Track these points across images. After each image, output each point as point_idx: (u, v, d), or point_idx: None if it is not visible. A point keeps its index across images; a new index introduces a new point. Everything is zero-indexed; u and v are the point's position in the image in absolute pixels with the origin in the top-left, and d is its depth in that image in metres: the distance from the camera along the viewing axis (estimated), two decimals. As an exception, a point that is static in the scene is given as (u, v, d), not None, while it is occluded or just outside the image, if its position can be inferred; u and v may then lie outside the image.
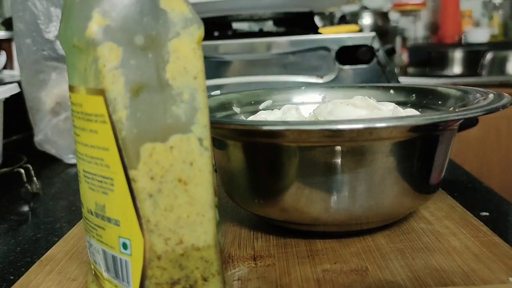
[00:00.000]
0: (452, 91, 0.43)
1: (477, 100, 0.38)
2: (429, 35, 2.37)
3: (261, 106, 0.49)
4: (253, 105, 0.49)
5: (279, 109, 0.50)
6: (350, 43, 0.82)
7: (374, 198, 0.34)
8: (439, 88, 0.45)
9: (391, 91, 0.48)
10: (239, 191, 0.39)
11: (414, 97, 0.46)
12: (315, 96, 0.51)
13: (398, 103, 0.46)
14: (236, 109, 0.48)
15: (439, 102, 0.44)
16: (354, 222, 0.36)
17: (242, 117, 0.48)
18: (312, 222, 0.36)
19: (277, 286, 0.31)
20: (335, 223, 0.36)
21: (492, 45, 1.99)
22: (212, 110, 0.46)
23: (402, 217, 0.39)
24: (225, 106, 0.48)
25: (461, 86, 0.44)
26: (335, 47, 0.82)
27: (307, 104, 0.50)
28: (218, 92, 0.50)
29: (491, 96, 0.37)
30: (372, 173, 0.34)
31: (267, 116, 0.45)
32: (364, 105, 0.38)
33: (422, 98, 0.46)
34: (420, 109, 0.45)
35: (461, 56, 1.94)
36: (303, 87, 0.52)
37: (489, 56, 1.86)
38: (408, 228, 0.38)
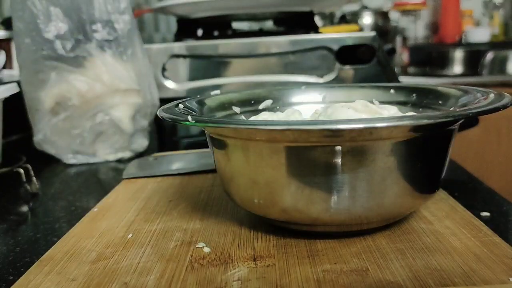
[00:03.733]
0: (453, 91, 0.43)
1: (477, 100, 0.38)
2: (429, 34, 2.36)
3: (261, 106, 0.49)
4: (253, 105, 0.49)
5: (279, 109, 0.49)
6: (350, 43, 0.82)
7: (374, 198, 0.34)
8: (440, 88, 0.45)
9: (392, 91, 0.48)
10: (239, 191, 0.39)
11: (414, 97, 0.46)
12: (315, 96, 0.51)
13: (399, 103, 0.46)
14: (236, 109, 0.48)
15: (440, 102, 0.43)
16: (354, 222, 0.36)
17: (242, 117, 0.48)
18: (312, 222, 0.36)
19: (277, 287, 0.31)
20: (335, 223, 0.36)
21: (493, 44, 1.98)
22: (212, 110, 0.46)
23: (402, 217, 0.39)
24: (225, 106, 0.47)
25: (462, 86, 0.44)
26: (335, 47, 0.82)
27: (307, 104, 0.50)
28: (218, 92, 0.50)
29: (491, 96, 0.37)
30: (372, 173, 0.34)
31: (269, 117, 0.45)
32: (366, 110, 0.38)
33: (422, 98, 0.45)
34: (420, 109, 0.45)
35: (461, 55, 1.94)
36: (303, 87, 0.52)
37: (489, 55, 1.85)
38: (408, 228, 0.38)
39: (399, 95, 0.47)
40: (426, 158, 0.36)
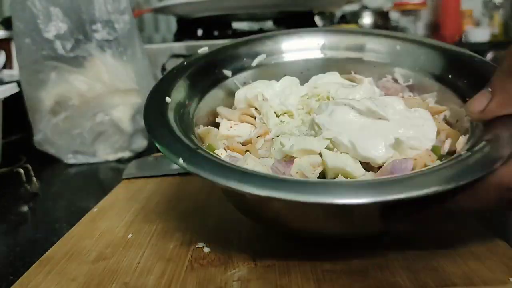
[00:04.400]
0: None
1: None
2: (429, 34, 2.36)
3: (254, 63, 0.47)
4: (246, 62, 0.46)
5: (274, 65, 0.47)
6: (350, 43, 0.81)
7: None
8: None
9: (397, 47, 0.45)
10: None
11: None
12: (312, 44, 0.48)
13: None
14: (227, 73, 0.45)
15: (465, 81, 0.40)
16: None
17: (235, 82, 0.45)
18: (312, 235, 0.36)
19: (277, 287, 0.31)
20: (336, 235, 0.36)
21: (493, 44, 1.99)
22: (197, 74, 0.43)
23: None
24: (213, 68, 0.45)
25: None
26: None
27: (303, 51, 0.47)
28: (206, 49, 0.46)
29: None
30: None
31: (264, 90, 0.43)
32: (369, 115, 0.37)
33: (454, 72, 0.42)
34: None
35: (461, 55, 1.93)
36: (301, 31, 0.48)
37: (489, 55, 1.85)
38: (408, 228, 0.38)
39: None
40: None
